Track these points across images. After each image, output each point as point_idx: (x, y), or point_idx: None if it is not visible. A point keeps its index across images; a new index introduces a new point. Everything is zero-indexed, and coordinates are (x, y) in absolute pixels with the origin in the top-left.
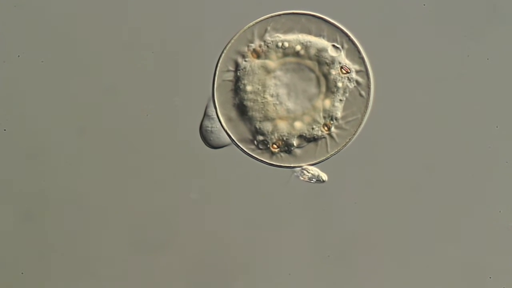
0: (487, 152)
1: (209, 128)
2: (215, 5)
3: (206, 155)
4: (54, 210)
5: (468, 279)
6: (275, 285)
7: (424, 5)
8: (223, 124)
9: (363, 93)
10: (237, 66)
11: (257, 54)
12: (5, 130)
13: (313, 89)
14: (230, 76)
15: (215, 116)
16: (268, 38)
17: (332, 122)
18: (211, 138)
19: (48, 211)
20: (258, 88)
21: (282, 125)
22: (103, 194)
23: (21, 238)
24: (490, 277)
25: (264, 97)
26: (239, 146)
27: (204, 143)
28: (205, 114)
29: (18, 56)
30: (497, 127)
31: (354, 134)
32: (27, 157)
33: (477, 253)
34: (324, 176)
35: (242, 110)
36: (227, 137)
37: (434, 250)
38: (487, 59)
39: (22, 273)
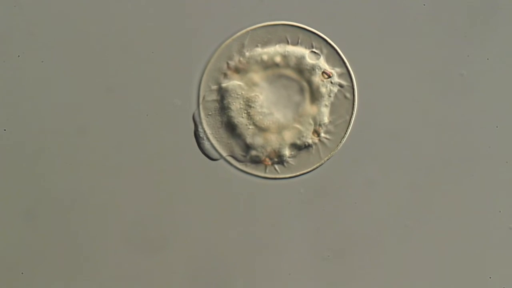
0: (487, 152)
1: (203, 138)
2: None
3: (205, 159)
4: (54, 210)
5: (468, 279)
6: (275, 285)
7: (424, 5)
8: (214, 145)
9: (348, 95)
10: (219, 84)
11: (237, 70)
12: (5, 130)
13: (298, 98)
14: (213, 95)
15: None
16: (246, 53)
17: (320, 127)
18: (206, 150)
19: (48, 211)
20: (244, 104)
21: (273, 137)
22: (103, 194)
23: (21, 238)
24: (490, 277)
25: (251, 112)
26: (233, 164)
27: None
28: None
29: (18, 56)
30: (497, 127)
31: (344, 137)
32: (27, 157)
33: (477, 253)
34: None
35: (231, 128)
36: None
37: (434, 250)
38: (487, 59)
39: (22, 273)
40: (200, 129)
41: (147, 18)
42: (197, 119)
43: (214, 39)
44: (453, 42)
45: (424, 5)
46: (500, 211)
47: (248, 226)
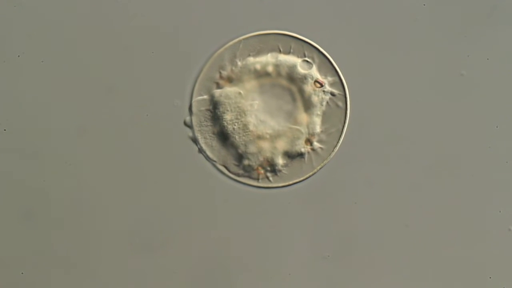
0: (487, 152)
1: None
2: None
3: (204, 160)
4: (54, 210)
5: (468, 279)
6: (275, 285)
7: (424, 5)
8: (209, 155)
9: (340, 103)
10: (212, 94)
11: (230, 79)
12: (5, 130)
13: (290, 107)
14: (206, 105)
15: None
16: (239, 62)
17: (313, 137)
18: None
19: (48, 211)
20: (237, 113)
21: (266, 146)
22: (103, 194)
23: (21, 238)
24: (490, 277)
25: (244, 121)
26: (226, 174)
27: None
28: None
29: (18, 56)
30: (497, 127)
31: (336, 146)
32: (27, 157)
33: (477, 253)
34: None
35: (223, 137)
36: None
37: (434, 250)
38: (487, 59)
39: (22, 273)
40: (193, 134)
41: (142, 25)
42: (190, 125)
43: (206, 48)
44: (453, 42)
45: (424, 5)
46: (500, 211)
47: (248, 227)
